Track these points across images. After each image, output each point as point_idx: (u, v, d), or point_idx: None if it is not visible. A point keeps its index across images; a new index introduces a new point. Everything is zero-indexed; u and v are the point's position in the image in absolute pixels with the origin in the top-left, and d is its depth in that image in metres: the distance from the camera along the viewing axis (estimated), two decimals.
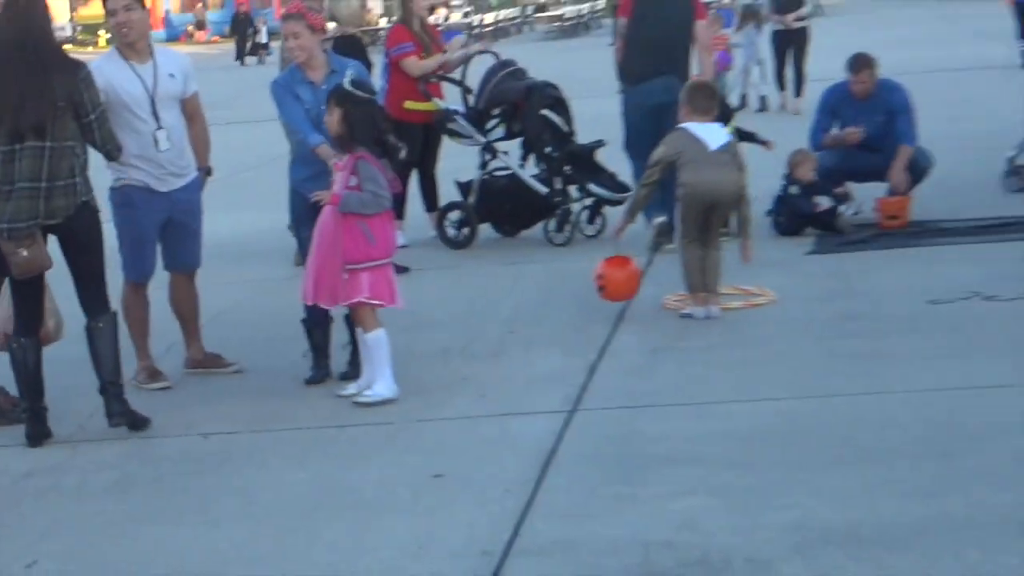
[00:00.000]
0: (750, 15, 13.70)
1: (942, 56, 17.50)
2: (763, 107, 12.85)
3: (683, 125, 5.49)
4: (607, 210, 7.18)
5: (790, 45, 12.40)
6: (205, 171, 5.20)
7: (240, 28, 33.52)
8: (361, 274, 4.45)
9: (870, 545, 2.91)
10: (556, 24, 32.34)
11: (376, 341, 4.49)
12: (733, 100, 11.61)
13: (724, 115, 6.19)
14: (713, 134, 5.43)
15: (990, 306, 5.33)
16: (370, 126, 4.46)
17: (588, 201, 7.18)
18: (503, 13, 35.13)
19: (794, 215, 6.92)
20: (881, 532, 2.99)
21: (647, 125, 6.71)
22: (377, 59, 7.75)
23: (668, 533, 3.07)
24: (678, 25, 6.94)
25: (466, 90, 7.45)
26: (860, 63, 7.25)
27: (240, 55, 32.43)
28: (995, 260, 6.08)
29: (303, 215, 4.92)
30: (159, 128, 4.82)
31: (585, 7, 33.81)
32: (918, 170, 7.16)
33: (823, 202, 6.84)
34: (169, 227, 4.99)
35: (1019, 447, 3.58)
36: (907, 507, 3.15)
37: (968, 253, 6.38)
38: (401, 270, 5.43)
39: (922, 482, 3.36)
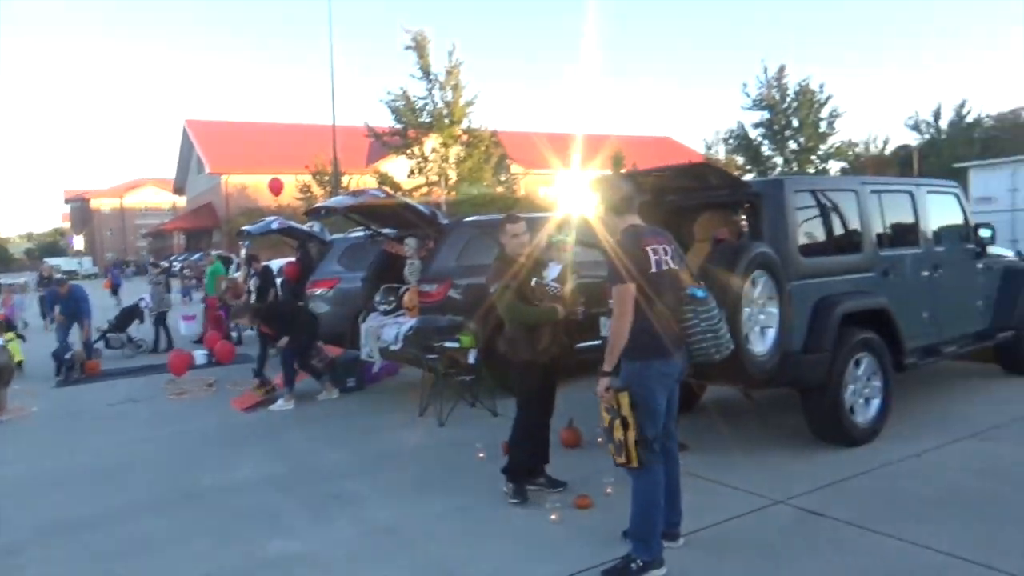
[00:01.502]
0: (19, 289, 26.87)
1: None
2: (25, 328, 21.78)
3: None
4: None
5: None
6: None
7: None
8: None
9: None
10: None
11: None
12: (21, 324, 21.35)
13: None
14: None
15: (137, 407, 10.03)
16: None
17: None
18: None
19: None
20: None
21: None
22: None
23: None
24: None
25: None
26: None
27: None
28: (131, 386, 11.52)
29: None
30: None
31: None
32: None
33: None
34: None
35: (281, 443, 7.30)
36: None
37: (123, 384, 11.80)
38: None
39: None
